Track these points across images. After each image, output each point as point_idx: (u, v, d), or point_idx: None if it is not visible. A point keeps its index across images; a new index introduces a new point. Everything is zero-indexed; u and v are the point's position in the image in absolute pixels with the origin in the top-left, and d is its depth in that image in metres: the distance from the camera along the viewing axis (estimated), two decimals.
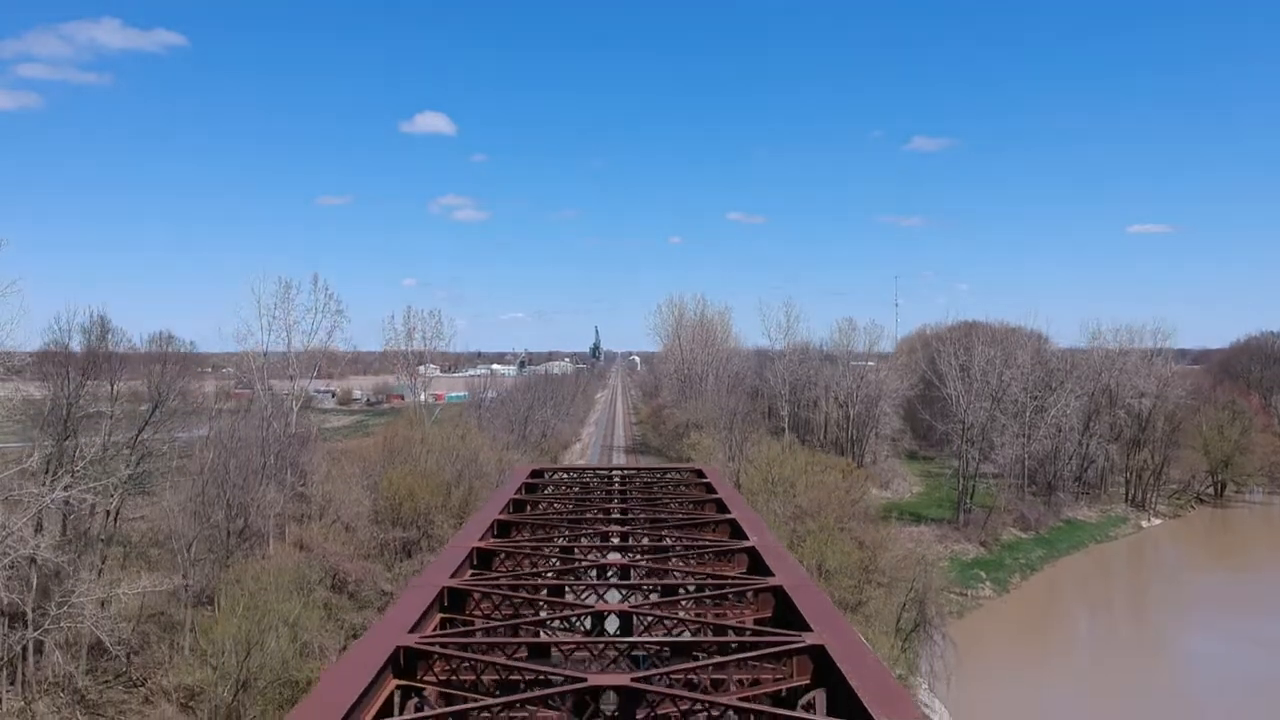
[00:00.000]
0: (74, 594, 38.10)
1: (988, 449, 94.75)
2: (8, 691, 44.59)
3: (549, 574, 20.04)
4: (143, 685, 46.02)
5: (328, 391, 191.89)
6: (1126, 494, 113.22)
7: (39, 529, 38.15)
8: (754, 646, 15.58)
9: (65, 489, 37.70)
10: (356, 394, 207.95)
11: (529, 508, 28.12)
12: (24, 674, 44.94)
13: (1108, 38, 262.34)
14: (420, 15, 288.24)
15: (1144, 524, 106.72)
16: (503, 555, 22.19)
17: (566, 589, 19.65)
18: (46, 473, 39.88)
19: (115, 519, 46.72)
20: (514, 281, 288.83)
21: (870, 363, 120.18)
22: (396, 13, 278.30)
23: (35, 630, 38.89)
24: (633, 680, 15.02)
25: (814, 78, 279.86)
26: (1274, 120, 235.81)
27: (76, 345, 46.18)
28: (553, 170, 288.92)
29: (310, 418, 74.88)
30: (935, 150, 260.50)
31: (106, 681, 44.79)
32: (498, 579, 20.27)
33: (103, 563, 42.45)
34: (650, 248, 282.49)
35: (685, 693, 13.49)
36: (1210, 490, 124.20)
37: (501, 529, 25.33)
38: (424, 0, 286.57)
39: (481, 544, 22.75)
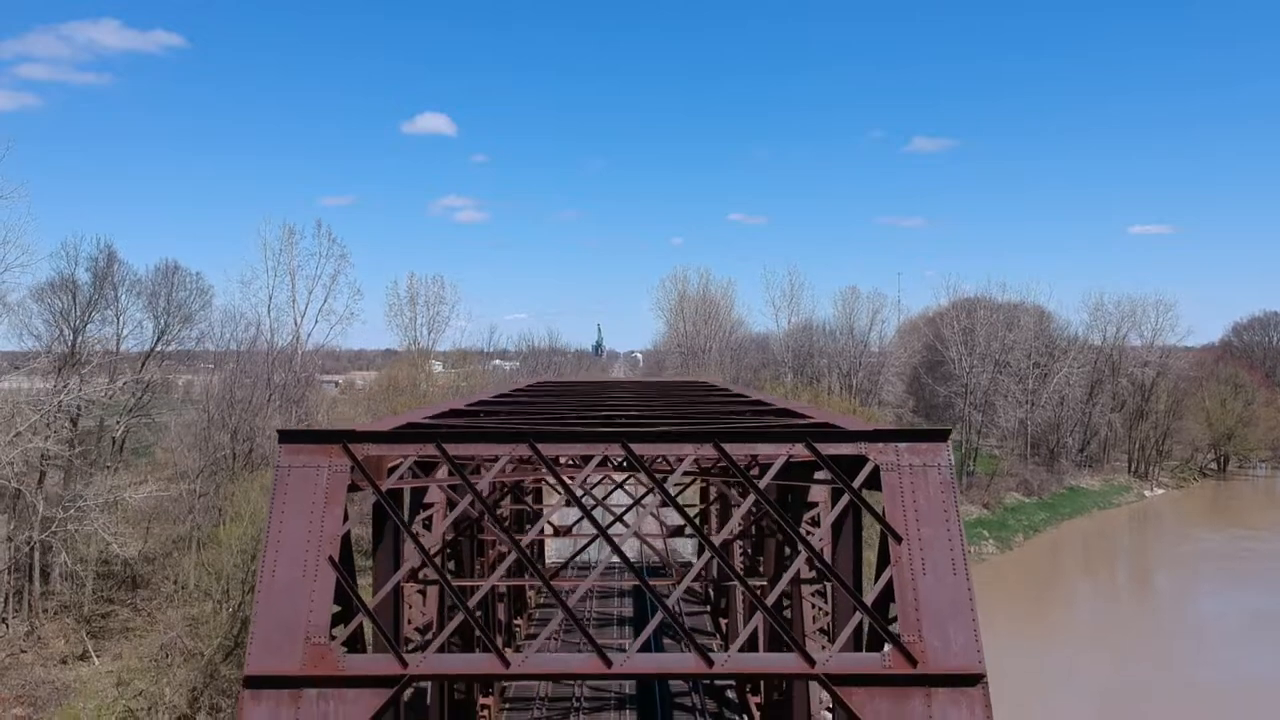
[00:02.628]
0: (81, 498, 38.16)
1: (990, 413, 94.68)
2: (14, 615, 44.78)
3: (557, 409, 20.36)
4: (146, 612, 46.16)
5: (331, 381, 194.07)
6: (1129, 465, 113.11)
7: (49, 425, 38.21)
8: (756, 420, 15.75)
9: (75, 389, 37.69)
10: (359, 384, 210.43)
11: (536, 391, 28.44)
12: (30, 599, 45.12)
13: (1108, 36, 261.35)
14: (420, 15, 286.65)
15: (1147, 493, 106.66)
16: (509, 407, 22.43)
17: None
18: (59, 375, 39.88)
19: (121, 449, 46.88)
20: (515, 282, 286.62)
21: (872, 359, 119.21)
22: (396, 13, 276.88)
23: (43, 532, 38.98)
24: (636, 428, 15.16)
25: (814, 78, 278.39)
26: (1274, 119, 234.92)
27: (84, 272, 46.32)
28: (553, 171, 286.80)
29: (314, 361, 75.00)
30: (935, 150, 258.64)
31: (111, 604, 44.93)
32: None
33: (109, 486, 42.45)
34: (652, 248, 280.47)
35: (684, 424, 13.63)
36: (1213, 465, 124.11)
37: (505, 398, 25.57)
38: (424, 0, 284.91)
39: (487, 398, 23.02)
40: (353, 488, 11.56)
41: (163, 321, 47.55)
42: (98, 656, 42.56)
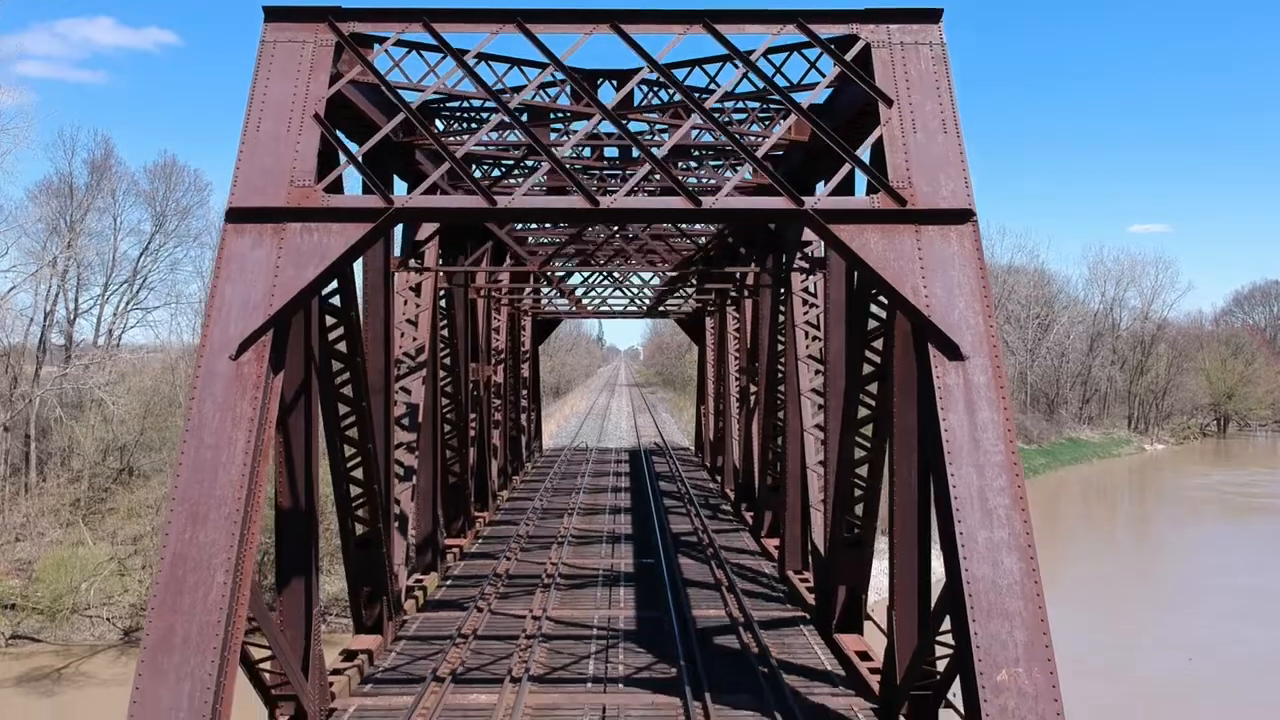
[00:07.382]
0: (78, 360, 38.17)
1: None
2: (9, 507, 44.78)
3: None
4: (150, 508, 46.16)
5: None
6: (1130, 422, 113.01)
7: (48, 288, 38.27)
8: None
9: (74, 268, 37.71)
10: None
11: None
12: (25, 487, 45.11)
13: (1107, 35, 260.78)
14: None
15: (1147, 447, 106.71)
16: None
17: None
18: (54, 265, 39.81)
19: (119, 342, 46.85)
20: None
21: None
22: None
23: (40, 389, 39.00)
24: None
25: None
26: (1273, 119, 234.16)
27: (80, 165, 46.08)
28: None
29: None
30: None
31: (106, 492, 44.92)
32: None
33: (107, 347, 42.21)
34: None
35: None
36: (1213, 426, 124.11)
37: None
38: None
39: None
40: (337, 96, 11.43)
41: (161, 220, 47.40)
42: (94, 543, 42.62)
